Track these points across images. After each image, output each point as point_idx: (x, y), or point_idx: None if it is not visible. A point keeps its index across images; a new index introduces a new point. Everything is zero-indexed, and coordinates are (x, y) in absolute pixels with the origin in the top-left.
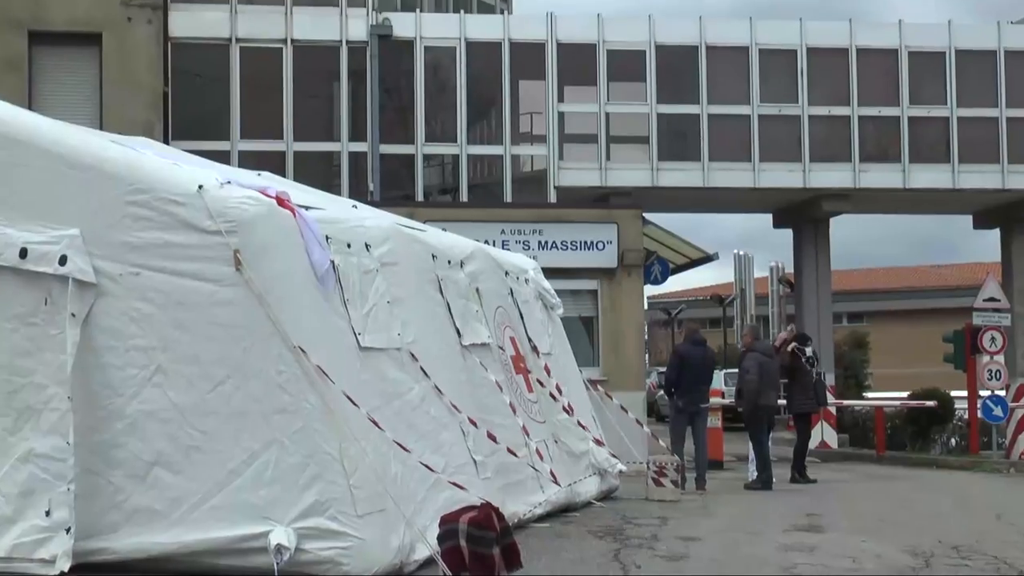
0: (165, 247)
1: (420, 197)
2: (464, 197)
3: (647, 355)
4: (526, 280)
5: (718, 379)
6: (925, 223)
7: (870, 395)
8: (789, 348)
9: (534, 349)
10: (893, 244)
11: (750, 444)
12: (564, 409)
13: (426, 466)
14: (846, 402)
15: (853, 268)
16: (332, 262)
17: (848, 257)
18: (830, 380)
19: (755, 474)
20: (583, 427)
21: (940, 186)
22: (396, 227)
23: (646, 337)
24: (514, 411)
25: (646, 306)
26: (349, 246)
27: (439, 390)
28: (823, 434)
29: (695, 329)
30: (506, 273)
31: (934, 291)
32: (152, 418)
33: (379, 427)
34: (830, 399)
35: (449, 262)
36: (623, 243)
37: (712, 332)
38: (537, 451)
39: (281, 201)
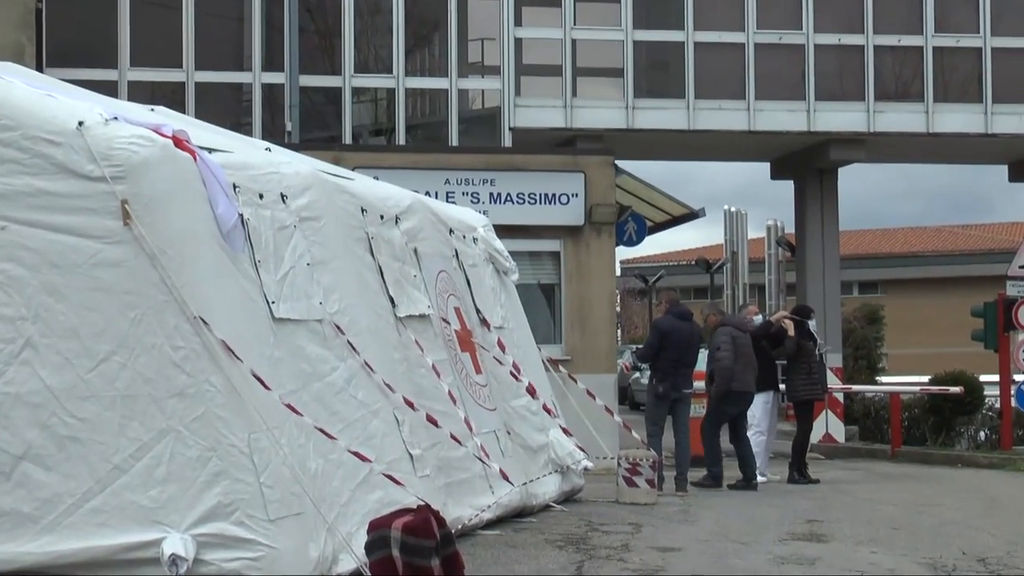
0: (37, 196)
1: (348, 139)
2: (401, 139)
3: (619, 330)
4: (474, 239)
5: (704, 359)
6: (952, 175)
7: (884, 379)
8: (791, 327)
9: (483, 322)
10: (914, 200)
11: (756, 438)
12: (528, 390)
13: (356, 454)
14: (855, 388)
15: (866, 228)
16: (240, 216)
17: (860, 215)
18: (836, 361)
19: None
20: (549, 412)
21: (970, 130)
22: (318, 175)
23: (618, 309)
24: (454, 401)
25: (619, 272)
26: (261, 197)
27: (370, 367)
28: (828, 425)
29: (677, 299)
30: (450, 231)
31: (962, 256)
32: (20, 403)
33: (297, 412)
34: (837, 383)
35: (382, 217)
36: (591, 196)
37: (697, 303)
38: (482, 447)
39: (179, 142)
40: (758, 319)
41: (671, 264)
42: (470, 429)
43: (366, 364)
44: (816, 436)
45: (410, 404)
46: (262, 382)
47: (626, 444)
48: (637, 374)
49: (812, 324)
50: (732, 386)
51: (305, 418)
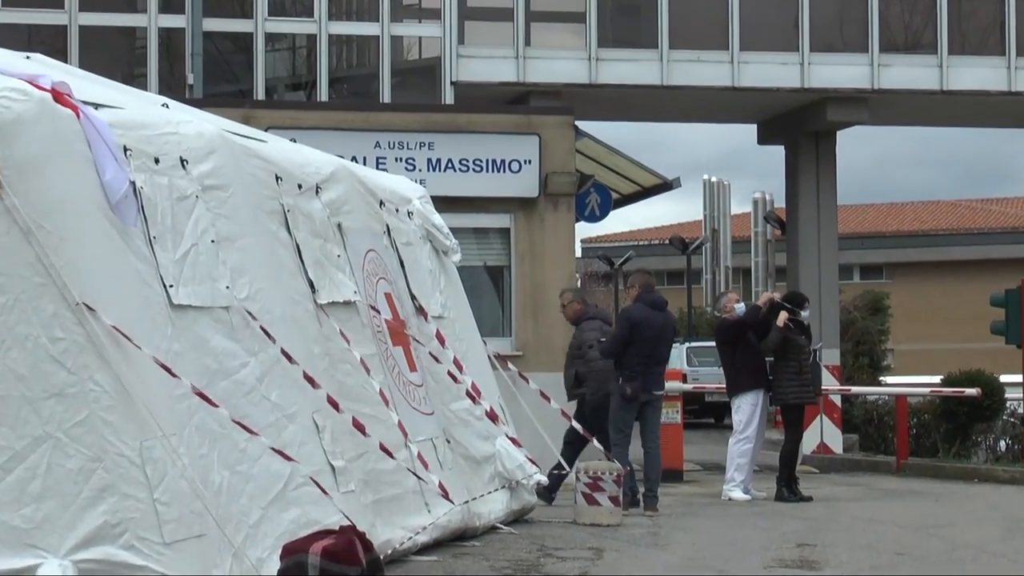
0: None
1: (260, 94)
2: (323, 95)
3: None
4: (409, 213)
5: (678, 355)
6: (970, 140)
7: (889, 380)
8: (783, 319)
9: (420, 311)
10: (925, 169)
11: (741, 447)
12: (468, 394)
13: (280, 453)
14: (855, 389)
15: (869, 202)
16: (132, 183)
17: (862, 187)
18: (834, 358)
19: (735, 486)
20: (494, 419)
21: (990, 88)
22: (225, 136)
23: None
24: (387, 402)
25: (579, 252)
26: (157, 162)
27: (290, 358)
28: (823, 434)
29: (652, 283)
30: (381, 203)
31: (981, 235)
32: None
33: (212, 403)
34: (834, 384)
35: (300, 187)
36: (548, 163)
37: (672, 290)
38: (420, 455)
39: (59, 96)
40: (740, 308)
41: (641, 243)
42: (405, 436)
43: (283, 358)
44: (809, 446)
45: (334, 404)
46: (168, 370)
47: (586, 455)
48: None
49: (806, 315)
50: (609, 390)
51: (222, 409)
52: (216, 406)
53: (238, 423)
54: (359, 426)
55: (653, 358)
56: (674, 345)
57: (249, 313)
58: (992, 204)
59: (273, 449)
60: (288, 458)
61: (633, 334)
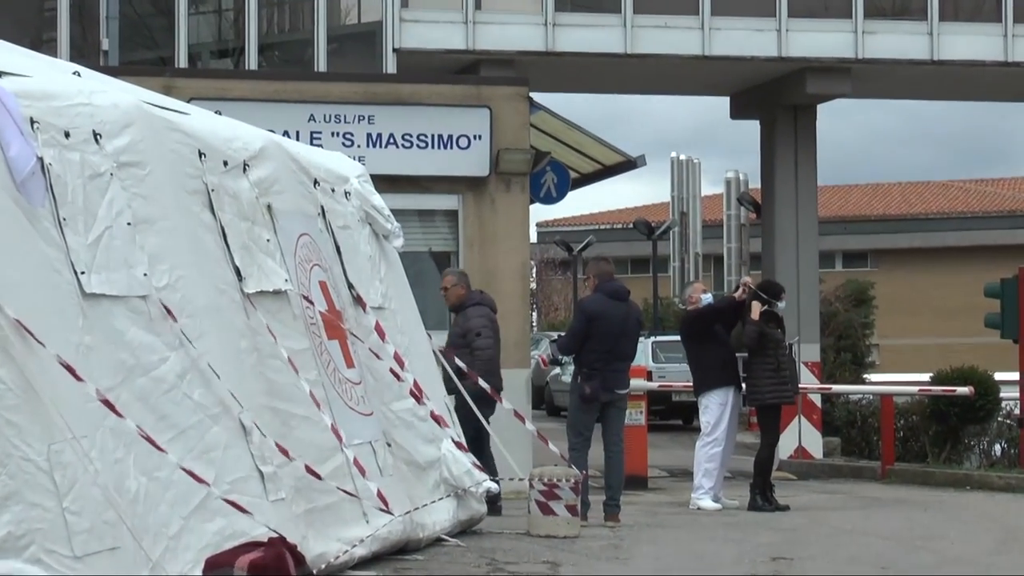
0: None
1: (183, 62)
2: (252, 63)
3: (535, 313)
4: (347, 194)
5: (643, 351)
6: (963, 114)
7: (874, 378)
8: (757, 311)
9: (357, 301)
10: (914, 147)
11: (709, 451)
12: (411, 393)
13: (190, 473)
14: (837, 388)
15: (852, 183)
16: (40, 160)
17: (845, 167)
18: (813, 354)
19: (703, 493)
20: (438, 421)
21: (985, 58)
22: (143, 108)
23: (533, 285)
24: (318, 405)
25: (534, 237)
26: (68, 136)
27: (210, 367)
28: (801, 437)
29: (610, 273)
30: (315, 183)
31: (975, 219)
32: None
33: (118, 413)
34: (813, 382)
35: (226, 164)
36: (499, 139)
37: (636, 279)
38: (356, 461)
39: None
40: (707, 298)
41: (602, 227)
42: (340, 440)
43: (204, 360)
44: (786, 450)
45: (257, 425)
46: (73, 372)
47: (541, 460)
48: (558, 370)
49: (782, 306)
50: (492, 381)
51: (128, 421)
52: (121, 416)
53: (146, 438)
54: (282, 449)
55: (614, 354)
56: (639, 339)
57: (168, 310)
58: (987, 185)
59: (184, 469)
60: (199, 479)
61: (591, 328)
